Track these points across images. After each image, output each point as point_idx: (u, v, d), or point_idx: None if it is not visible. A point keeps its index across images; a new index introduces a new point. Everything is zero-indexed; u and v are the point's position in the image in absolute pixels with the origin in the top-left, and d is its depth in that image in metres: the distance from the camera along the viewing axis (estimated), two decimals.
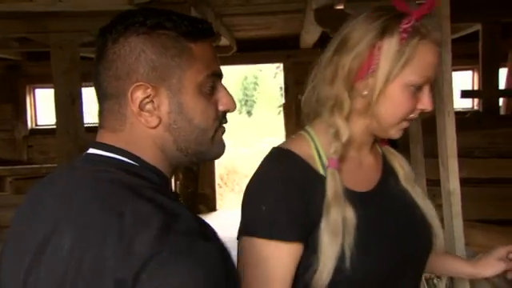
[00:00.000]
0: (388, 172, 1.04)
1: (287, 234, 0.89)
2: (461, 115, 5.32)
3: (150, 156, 0.77)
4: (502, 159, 2.96)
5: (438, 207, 2.96)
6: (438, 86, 1.63)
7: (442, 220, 1.85)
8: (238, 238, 0.94)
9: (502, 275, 1.20)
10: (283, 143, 1.01)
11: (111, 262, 0.65)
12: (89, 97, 3.25)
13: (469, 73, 5.83)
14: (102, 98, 0.79)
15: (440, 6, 1.58)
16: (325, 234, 0.88)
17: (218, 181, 8.19)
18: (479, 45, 4.22)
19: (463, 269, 1.20)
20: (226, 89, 0.83)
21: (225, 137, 0.84)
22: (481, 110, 4.44)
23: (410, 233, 0.98)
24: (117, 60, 0.76)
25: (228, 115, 0.84)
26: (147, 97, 0.75)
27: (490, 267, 1.16)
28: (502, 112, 4.87)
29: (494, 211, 2.97)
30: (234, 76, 19.92)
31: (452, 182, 1.64)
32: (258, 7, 4.74)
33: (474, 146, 3.17)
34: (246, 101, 20.05)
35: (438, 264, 1.20)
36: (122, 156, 0.76)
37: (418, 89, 0.93)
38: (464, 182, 3.18)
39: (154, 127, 0.77)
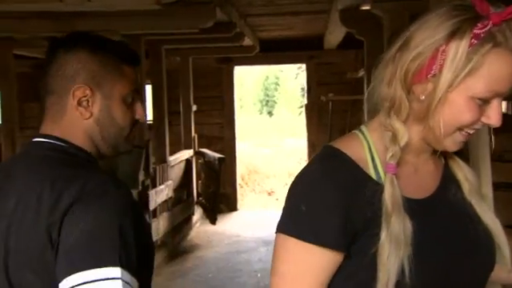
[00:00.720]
0: (448, 180, 0.96)
1: (321, 238, 0.85)
2: None
3: (80, 141, 1.06)
4: None
5: None
6: None
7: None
8: (276, 231, 0.91)
9: None
10: (335, 142, 0.94)
11: (45, 211, 0.92)
12: None
13: None
14: (46, 94, 1.07)
15: None
16: (386, 245, 0.82)
17: (239, 181, 8.19)
18: None
19: (499, 274, 1.12)
20: (141, 103, 1.13)
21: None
22: (510, 112, 4.35)
23: (468, 246, 0.91)
24: (66, 64, 1.04)
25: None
26: (84, 96, 1.04)
27: None
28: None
29: None
30: (255, 76, 19.90)
31: (484, 186, 1.59)
32: (281, 7, 4.73)
33: (503, 150, 3.10)
34: (267, 101, 20.02)
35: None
36: (55, 140, 1.05)
37: (484, 102, 0.84)
38: (494, 186, 3.15)
39: (87, 119, 1.05)
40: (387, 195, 0.85)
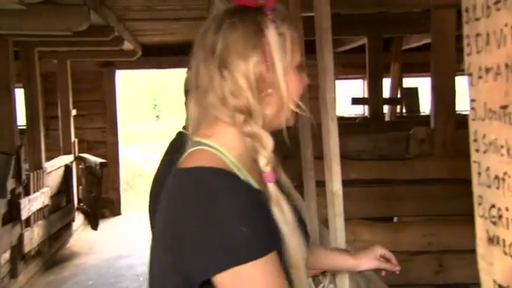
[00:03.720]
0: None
1: (272, 244, 0.83)
2: (352, 121, 5.74)
3: None
4: (383, 161, 3.25)
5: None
6: (322, 92, 1.74)
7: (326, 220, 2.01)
8: (215, 274, 0.79)
9: (377, 271, 1.37)
10: (198, 162, 0.87)
11: None
12: None
13: (360, 82, 6.27)
14: None
15: (320, 19, 1.66)
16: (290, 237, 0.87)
17: (123, 185, 8.04)
18: (366, 56, 4.59)
19: (347, 262, 1.32)
20: None
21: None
22: (368, 116, 4.81)
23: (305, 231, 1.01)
24: None
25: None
26: None
27: (368, 262, 1.30)
28: (387, 118, 5.30)
29: (378, 209, 3.25)
30: (142, 80, 19.53)
31: (335, 183, 1.76)
32: (159, 13, 4.77)
33: (361, 149, 3.44)
34: (155, 105, 19.78)
35: (323, 259, 1.29)
36: None
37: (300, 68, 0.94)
38: (353, 182, 3.48)
39: None
40: (275, 204, 0.88)
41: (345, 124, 5.79)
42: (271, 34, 0.90)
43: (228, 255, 0.79)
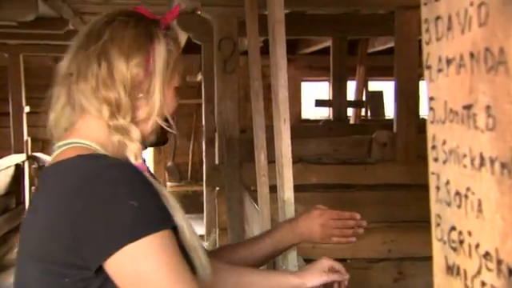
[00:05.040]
0: None
1: (169, 221, 0.84)
2: (316, 123, 5.66)
3: None
4: (344, 165, 3.15)
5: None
6: (274, 91, 1.59)
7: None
8: (122, 244, 0.79)
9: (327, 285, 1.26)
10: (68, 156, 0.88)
11: None
12: None
13: (326, 84, 6.21)
14: None
15: (273, 9, 1.53)
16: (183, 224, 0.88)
17: None
18: (330, 58, 4.50)
19: (290, 281, 1.21)
20: None
21: None
22: (332, 118, 4.74)
23: None
24: None
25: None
26: None
27: (314, 278, 1.20)
28: (352, 121, 5.24)
29: None
30: None
31: (286, 190, 1.60)
32: (117, 7, 4.57)
33: (322, 153, 3.34)
34: None
35: (263, 282, 1.19)
36: None
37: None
38: (313, 187, 3.38)
39: None
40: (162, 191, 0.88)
41: (307, 127, 5.73)
42: (160, 45, 0.92)
43: (127, 228, 0.79)
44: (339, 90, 4.43)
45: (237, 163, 2.92)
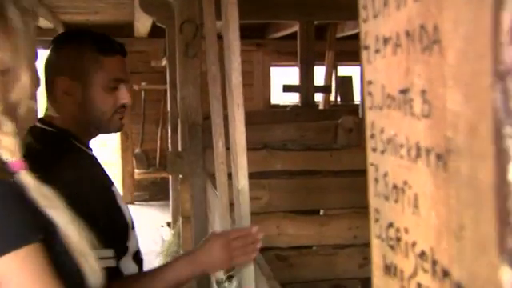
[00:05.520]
0: None
1: (32, 235, 0.76)
2: (284, 109, 5.60)
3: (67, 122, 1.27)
4: (310, 151, 3.11)
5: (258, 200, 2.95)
6: (228, 74, 1.52)
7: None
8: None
9: None
10: None
11: None
12: None
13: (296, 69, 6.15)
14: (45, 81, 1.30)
15: None
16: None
17: None
18: (298, 43, 4.44)
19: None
20: (126, 89, 1.30)
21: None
22: (300, 104, 4.69)
23: None
24: (55, 58, 1.28)
25: None
26: (67, 86, 1.25)
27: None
28: (321, 107, 5.20)
29: (303, 202, 3.12)
30: None
31: (241, 179, 1.54)
32: None
33: (288, 139, 3.29)
34: None
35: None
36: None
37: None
38: (278, 174, 3.33)
39: (72, 104, 1.25)
40: (34, 191, 0.79)
41: (274, 112, 5.67)
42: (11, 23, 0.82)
43: None
44: (307, 75, 4.39)
45: (200, 150, 2.85)
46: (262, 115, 4.19)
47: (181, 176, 3.09)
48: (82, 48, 1.24)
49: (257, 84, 7.04)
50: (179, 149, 3.19)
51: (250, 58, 6.86)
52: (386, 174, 0.54)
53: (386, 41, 0.51)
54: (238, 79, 1.44)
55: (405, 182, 0.50)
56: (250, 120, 3.94)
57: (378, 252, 0.56)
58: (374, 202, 0.57)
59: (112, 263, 1.13)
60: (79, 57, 1.23)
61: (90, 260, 0.83)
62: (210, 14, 1.84)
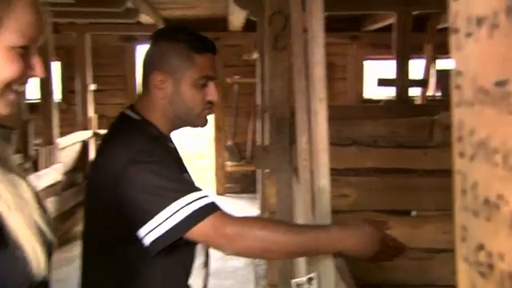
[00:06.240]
0: None
1: None
2: (376, 104, 5.38)
3: (156, 116, 1.33)
4: (403, 149, 2.94)
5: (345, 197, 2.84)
6: (311, 67, 1.44)
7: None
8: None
9: None
10: None
11: None
12: None
13: (390, 63, 5.89)
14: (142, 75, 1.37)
15: None
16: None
17: None
18: (393, 35, 4.23)
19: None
20: (214, 86, 1.32)
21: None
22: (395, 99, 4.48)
23: None
24: (152, 53, 1.35)
25: None
26: (160, 80, 1.31)
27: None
28: (418, 101, 4.93)
29: (394, 202, 2.96)
30: None
31: (322, 177, 1.45)
32: None
33: (378, 135, 3.13)
34: None
35: None
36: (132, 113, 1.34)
37: (26, 51, 0.82)
38: (368, 171, 3.19)
39: (162, 99, 1.31)
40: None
41: (366, 107, 5.46)
42: None
43: None
44: (402, 68, 4.16)
45: (286, 144, 2.80)
46: (352, 110, 4.05)
47: (267, 170, 3.06)
48: (176, 44, 1.28)
49: (349, 78, 6.84)
50: (267, 143, 3.16)
51: (345, 51, 6.67)
52: (475, 185, 0.44)
53: (480, 21, 0.42)
54: (321, 72, 1.36)
55: (499, 197, 0.40)
56: (340, 115, 3.81)
57: (465, 279, 0.47)
58: (460, 217, 0.48)
59: (208, 200, 1.17)
60: (173, 53, 1.28)
61: (36, 246, 0.80)
62: (296, 5, 1.77)
